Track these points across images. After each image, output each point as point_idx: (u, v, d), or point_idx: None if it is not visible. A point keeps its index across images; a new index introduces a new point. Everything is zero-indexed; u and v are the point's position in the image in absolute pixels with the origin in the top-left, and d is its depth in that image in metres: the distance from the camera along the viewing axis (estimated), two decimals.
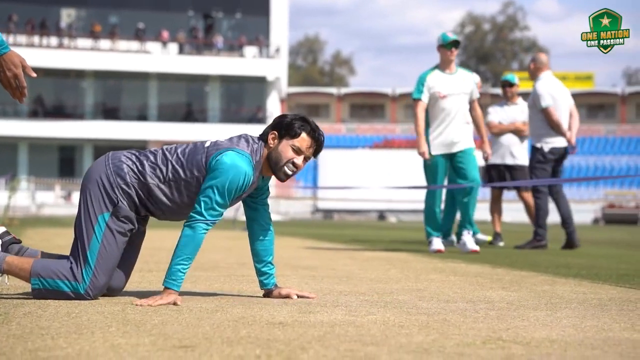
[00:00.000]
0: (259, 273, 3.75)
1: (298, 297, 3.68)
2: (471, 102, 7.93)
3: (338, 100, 49.57)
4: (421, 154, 7.71)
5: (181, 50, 42.57)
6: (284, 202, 34.72)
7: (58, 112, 41.05)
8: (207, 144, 3.52)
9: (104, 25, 41.81)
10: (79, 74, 41.85)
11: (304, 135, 3.51)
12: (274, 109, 43.63)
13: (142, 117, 42.42)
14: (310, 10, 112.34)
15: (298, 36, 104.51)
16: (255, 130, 38.01)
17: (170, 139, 41.75)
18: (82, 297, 3.41)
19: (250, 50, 43.27)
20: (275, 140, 3.53)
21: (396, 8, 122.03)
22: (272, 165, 3.53)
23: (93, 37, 41.38)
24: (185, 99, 43.72)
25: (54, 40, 40.95)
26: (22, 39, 40.56)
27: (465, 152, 7.76)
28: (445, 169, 7.83)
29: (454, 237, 9.06)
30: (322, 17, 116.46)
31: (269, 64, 42.82)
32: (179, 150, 3.53)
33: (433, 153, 7.75)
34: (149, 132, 41.16)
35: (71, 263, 3.43)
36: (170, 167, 3.48)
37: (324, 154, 33.65)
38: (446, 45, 7.76)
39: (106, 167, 3.50)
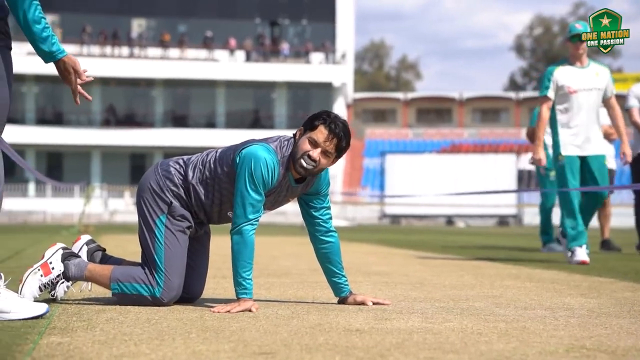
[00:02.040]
0: (331, 283, 3.75)
1: (373, 304, 3.66)
2: (606, 100, 7.12)
3: (404, 105, 49.38)
4: (537, 161, 7.09)
5: (248, 58, 42.97)
6: (351, 208, 34.70)
7: (129, 121, 41.83)
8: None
9: (173, 34, 42.48)
10: (149, 83, 42.58)
11: (321, 127, 3.44)
12: (340, 114, 43.68)
13: (210, 124, 42.94)
14: (375, 16, 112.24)
15: (364, 41, 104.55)
16: None
17: None
18: (159, 300, 3.46)
19: (316, 57, 43.43)
20: (300, 135, 3.52)
21: (462, 11, 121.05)
22: (292, 160, 3.49)
23: (162, 46, 42.09)
24: (252, 106, 44.10)
25: (125, 50, 41.77)
26: (95, 49, 41.47)
27: (597, 159, 6.99)
28: (579, 169, 6.98)
29: (553, 245, 8.91)
30: (387, 22, 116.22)
31: (335, 70, 42.91)
32: (218, 151, 3.59)
33: (564, 154, 6.97)
34: (217, 139, 41.61)
35: (144, 269, 3.50)
36: (207, 166, 3.53)
37: (391, 159, 33.55)
38: (571, 39, 6.99)
39: (155, 174, 3.58)
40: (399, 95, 51.35)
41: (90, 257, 3.68)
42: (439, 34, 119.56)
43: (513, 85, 70.03)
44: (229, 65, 42.03)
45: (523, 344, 2.56)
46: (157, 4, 43.01)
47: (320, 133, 3.43)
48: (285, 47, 43.06)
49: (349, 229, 21.78)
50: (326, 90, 43.45)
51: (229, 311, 3.31)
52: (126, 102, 42.69)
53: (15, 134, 40.26)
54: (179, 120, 42.71)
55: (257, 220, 3.42)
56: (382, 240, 12.55)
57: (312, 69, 42.74)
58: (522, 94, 51.06)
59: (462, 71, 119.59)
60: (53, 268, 3.54)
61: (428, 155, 36.27)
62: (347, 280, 3.75)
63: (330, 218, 3.71)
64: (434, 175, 31.91)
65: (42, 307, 3.02)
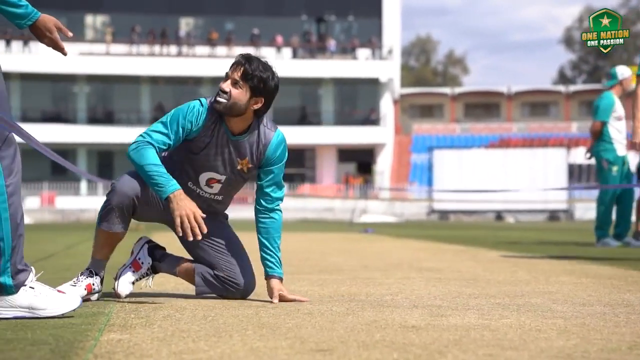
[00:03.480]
0: (261, 258, 3.67)
1: (283, 300, 3.57)
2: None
3: (452, 100, 49.05)
4: (637, 145, 6.96)
5: (295, 55, 43.07)
6: (399, 204, 34.59)
7: None
8: None
9: (220, 32, 42.76)
10: (197, 81, 42.92)
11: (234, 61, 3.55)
12: (387, 110, 43.57)
13: None
14: (421, 11, 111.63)
15: (410, 37, 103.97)
16: (369, 132, 37.79)
17: (293, 143, 42.29)
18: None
19: (363, 52, 43.35)
20: None
21: (509, 5, 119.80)
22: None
23: (210, 44, 42.39)
24: (299, 103, 44.20)
25: (173, 49, 42.16)
26: (144, 48, 41.94)
27: None
28: None
29: (629, 239, 8.74)
30: (433, 17, 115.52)
31: (381, 66, 42.79)
32: None
33: None
34: None
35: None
36: None
37: (439, 154, 33.35)
38: None
39: None
40: (446, 90, 51.01)
41: (151, 254, 3.73)
42: (486, 28, 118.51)
43: (562, 78, 69.10)
44: (275, 62, 41.97)
45: (584, 341, 2.52)
46: (205, 3, 43.32)
47: (231, 65, 3.53)
48: (331, 43, 43.06)
49: (397, 225, 21.70)
50: (373, 86, 43.35)
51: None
52: (174, 100, 43.07)
53: (66, 133, 40.87)
54: None
55: (145, 137, 3.43)
56: (431, 236, 12.48)
57: (359, 65, 42.67)
58: (572, 87, 50.37)
59: (510, 65, 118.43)
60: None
61: (476, 150, 35.98)
62: (277, 262, 3.63)
63: (279, 198, 3.66)
64: (482, 170, 31.65)
65: (77, 301, 3.04)
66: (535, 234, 14.11)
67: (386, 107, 43.61)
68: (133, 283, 3.66)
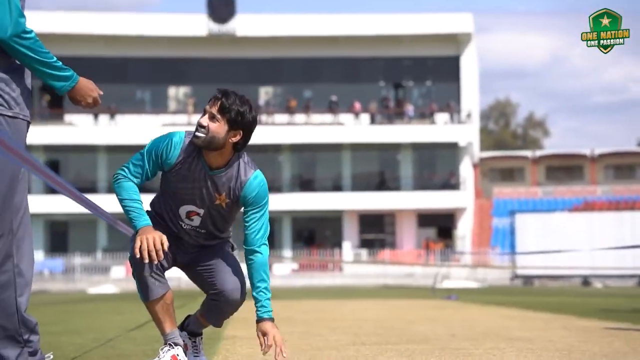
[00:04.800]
0: (254, 299, 3.63)
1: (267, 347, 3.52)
2: None
3: (533, 163, 48.36)
4: None
5: (373, 120, 43.28)
6: (481, 270, 34.00)
7: None
8: None
9: (299, 100, 43.38)
10: (276, 149, 43.46)
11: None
12: (467, 174, 43.21)
13: (337, 187, 43.28)
14: (500, 74, 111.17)
15: (489, 100, 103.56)
16: (449, 196, 37.26)
17: (364, 208, 42.25)
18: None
19: (441, 117, 43.30)
20: None
21: (590, 67, 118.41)
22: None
23: (289, 112, 43.00)
24: (377, 168, 44.22)
25: None
26: None
27: None
28: None
29: None
30: (512, 80, 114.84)
31: (460, 130, 42.61)
32: None
33: None
34: (344, 202, 41.88)
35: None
36: None
37: (521, 218, 32.75)
38: None
39: None
40: (527, 153, 50.35)
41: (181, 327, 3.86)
42: (567, 90, 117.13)
43: None
44: (354, 128, 42.44)
45: None
46: (284, 72, 44.10)
47: (209, 101, 3.56)
48: (409, 108, 43.16)
49: (481, 291, 21.26)
50: (452, 150, 43.13)
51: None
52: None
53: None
54: (306, 184, 43.28)
55: (123, 170, 3.57)
56: (517, 303, 12.16)
57: (437, 130, 42.59)
58: None
59: (592, 127, 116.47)
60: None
61: (560, 213, 35.24)
62: (264, 303, 3.55)
63: (261, 236, 3.62)
64: (567, 234, 30.92)
65: None
66: (627, 300, 13.62)
67: (466, 171, 43.26)
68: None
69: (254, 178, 3.61)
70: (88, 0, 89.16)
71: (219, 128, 3.50)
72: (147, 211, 3.66)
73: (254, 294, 3.59)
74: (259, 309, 3.55)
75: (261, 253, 3.62)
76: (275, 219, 42.83)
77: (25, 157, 2.50)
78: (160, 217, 3.69)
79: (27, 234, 3.08)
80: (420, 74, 44.28)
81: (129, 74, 42.11)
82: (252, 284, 3.62)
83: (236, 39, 41.78)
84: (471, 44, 43.64)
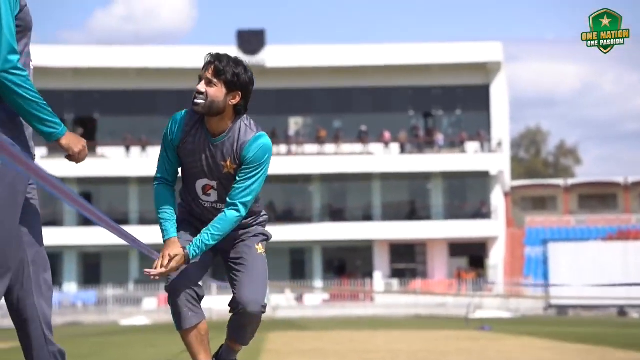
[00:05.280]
0: None
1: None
2: None
3: (565, 191, 47.94)
4: None
5: (403, 150, 43.22)
6: (514, 300, 33.62)
7: (288, 217, 42.71)
8: None
9: (328, 130, 43.45)
10: (306, 179, 43.49)
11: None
12: (498, 203, 42.91)
13: (367, 217, 43.16)
14: (530, 102, 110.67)
15: (519, 128, 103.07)
16: (480, 225, 36.93)
17: (395, 238, 42.07)
18: None
19: (471, 146, 43.13)
20: None
21: (621, 94, 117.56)
22: None
23: (319, 142, 43.08)
24: (408, 197, 44.07)
25: (283, 148, 43.06)
26: None
27: None
28: None
29: None
30: (543, 109, 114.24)
31: (491, 158, 42.39)
32: None
33: None
34: (375, 232, 41.73)
35: None
36: None
37: (554, 247, 32.41)
38: None
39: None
40: (559, 181, 49.95)
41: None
42: (598, 118, 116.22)
43: None
44: (384, 157, 42.40)
45: None
46: (314, 103, 44.25)
47: (202, 68, 3.50)
48: (439, 137, 43.05)
49: (514, 321, 20.99)
50: (483, 178, 42.89)
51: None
52: (284, 198, 43.70)
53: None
54: (336, 214, 43.20)
55: (156, 174, 3.60)
56: (552, 334, 11.97)
57: (468, 158, 42.41)
58: None
59: (625, 155, 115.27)
60: None
61: (594, 242, 34.83)
62: (196, 243, 3.49)
63: (243, 195, 3.52)
64: (601, 263, 30.52)
65: None
66: None
67: (497, 200, 42.96)
68: None
69: (255, 139, 3.57)
70: (119, 33, 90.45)
71: (217, 92, 3.48)
72: (179, 203, 3.69)
73: (202, 233, 3.53)
74: (194, 244, 3.49)
75: (235, 210, 3.52)
76: (305, 249, 42.76)
77: (59, 187, 2.50)
78: (187, 202, 3.69)
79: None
80: (449, 103, 44.23)
81: (158, 106, 42.49)
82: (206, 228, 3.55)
83: (266, 70, 42.05)
84: (501, 72, 43.55)
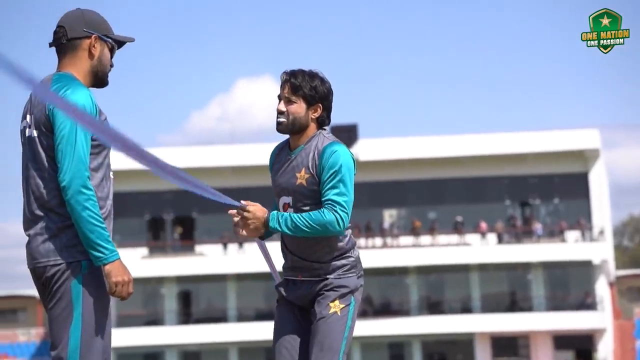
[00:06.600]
0: None
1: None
2: None
3: None
4: None
5: (500, 240, 42.47)
6: None
7: (385, 310, 42.21)
8: None
9: (423, 221, 43.16)
10: (403, 271, 43.07)
11: None
12: (603, 293, 41.43)
13: (466, 309, 42.25)
14: (631, 189, 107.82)
15: (622, 216, 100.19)
16: (585, 317, 35.61)
17: (496, 330, 40.94)
18: None
19: (571, 235, 42.06)
20: None
21: None
22: None
23: (414, 234, 42.78)
24: (507, 288, 43.05)
25: (378, 241, 42.91)
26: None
27: None
28: None
29: None
30: None
31: (593, 247, 41.18)
32: None
33: None
34: (474, 324, 40.74)
35: None
36: None
37: None
38: None
39: None
40: None
41: None
42: None
43: None
44: (481, 248, 41.71)
45: None
46: (408, 195, 44.18)
47: (280, 88, 3.53)
48: (538, 227, 42.18)
49: None
50: (585, 268, 41.60)
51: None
52: (381, 292, 43.27)
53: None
54: (434, 307, 42.46)
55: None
56: None
57: (568, 248, 41.30)
58: None
59: None
60: None
61: None
62: (281, 216, 3.51)
63: (335, 194, 3.42)
64: None
65: None
66: None
67: (602, 290, 41.49)
68: None
69: (329, 146, 3.48)
70: (214, 133, 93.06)
71: (297, 108, 3.49)
72: None
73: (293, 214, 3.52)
74: (277, 216, 3.53)
75: (331, 209, 3.42)
76: (404, 343, 41.97)
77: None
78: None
79: None
80: (547, 191, 43.47)
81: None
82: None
83: (359, 163, 42.35)
84: (599, 159, 42.70)
